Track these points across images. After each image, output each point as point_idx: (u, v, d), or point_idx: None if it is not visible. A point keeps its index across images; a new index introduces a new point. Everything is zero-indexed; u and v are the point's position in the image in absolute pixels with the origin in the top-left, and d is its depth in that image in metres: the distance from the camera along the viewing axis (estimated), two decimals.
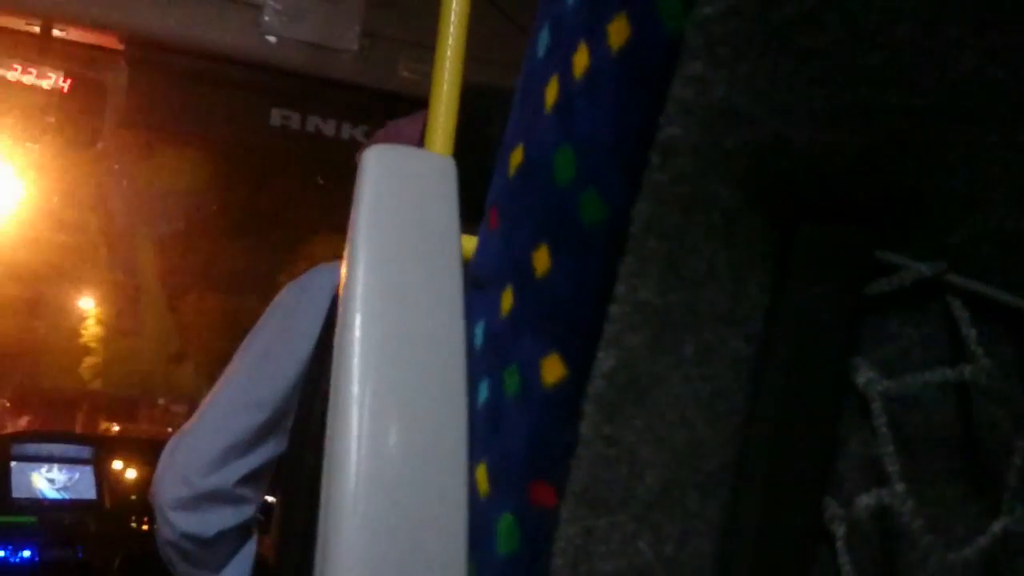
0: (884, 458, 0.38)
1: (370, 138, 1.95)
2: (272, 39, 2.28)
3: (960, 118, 0.36)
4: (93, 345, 13.34)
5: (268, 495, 1.43)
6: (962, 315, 0.39)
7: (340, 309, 0.49)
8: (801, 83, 0.35)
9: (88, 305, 13.13)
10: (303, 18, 2.29)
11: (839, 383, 0.39)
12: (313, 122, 2.50)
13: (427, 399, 0.47)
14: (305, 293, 1.31)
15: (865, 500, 0.38)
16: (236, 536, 1.33)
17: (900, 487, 0.38)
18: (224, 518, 1.30)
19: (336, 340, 0.48)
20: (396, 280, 0.49)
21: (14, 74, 2.31)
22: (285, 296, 1.36)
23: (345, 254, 0.50)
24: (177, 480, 1.29)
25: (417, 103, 1.53)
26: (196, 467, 1.28)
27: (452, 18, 0.73)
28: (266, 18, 2.25)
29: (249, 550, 1.36)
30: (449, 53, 0.72)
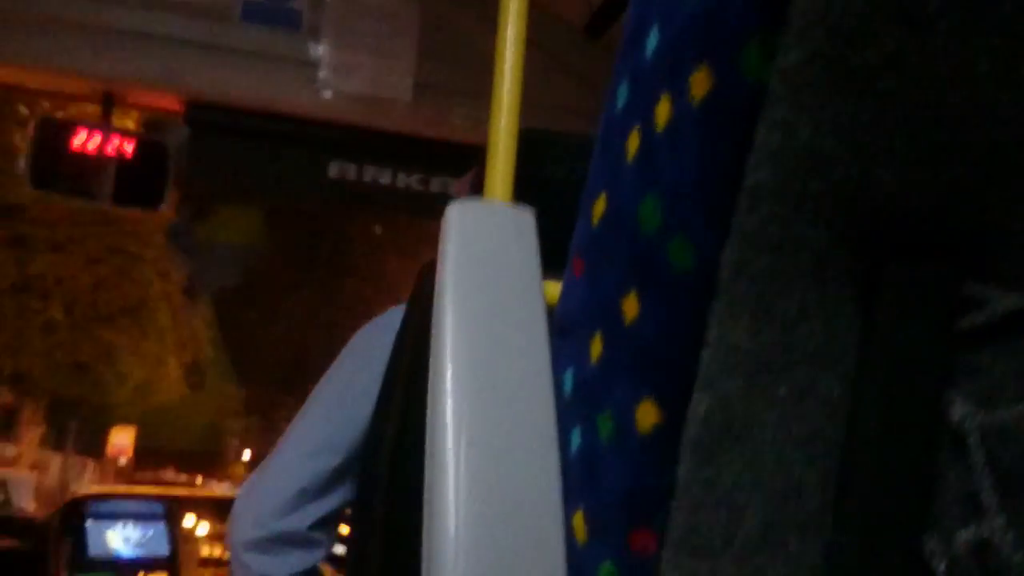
0: (982, 492, 0.38)
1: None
2: (328, 94, 2.32)
3: None
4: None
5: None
6: None
7: (431, 363, 0.50)
8: (885, 125, 0.35)
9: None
10: (357, 72, 2.33)
11: (934, 419, 0.39)
12: (370, 172, 2.53)
13: (520, 450, 0.48)
14: (379, 334, 1.32)
15: (964, 535, 0.38)
16: None
17: (999, 521, 0.37)
18: (295, 561, 1.31)
19: (429, 395, 0.49)
20: (484, 333, 0.50)
21: (80, 139, 2.37)
22: (360, 338, 1.37)
23: (433, 309, 0.51)
24: (251, 521, 1.30)
25: (470, 150, 1.55)
26: (270, 509, 1.29)
27: (507, 69, 0.74)
28: (321, 74, 2.30)
29: None
30: (505, 102, 0.74)
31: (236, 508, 1.34)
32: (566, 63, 2.44)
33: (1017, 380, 0.40)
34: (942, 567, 0.38)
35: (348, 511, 1.35)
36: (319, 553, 1.33)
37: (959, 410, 0.39)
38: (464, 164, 1.50)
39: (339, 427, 1.31)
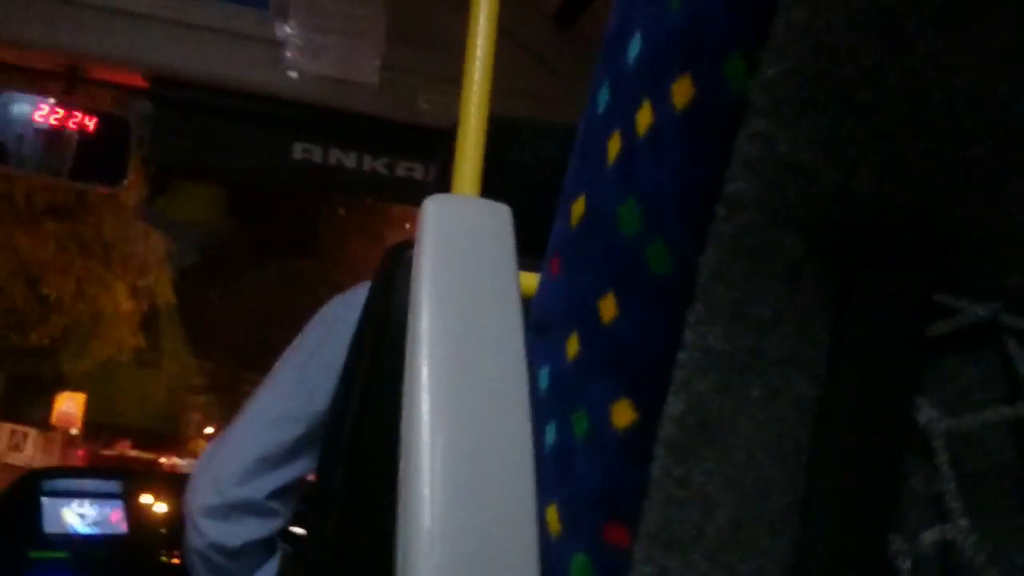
0: (947, 494, 0.39)
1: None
2: (294, 75, 2.31)
3: (1015, 166, 0.37)
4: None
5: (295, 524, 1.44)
6: (1018, 354, 0.40)
7: (407, 354, 0.50)
8: (862, 137, 0.37)
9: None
10: (324, 54, 2.31)
11: (902, 422, 0.41)
12: (335, 155, 2.52)
13: (495, 445, 0.48)
14: (347, 309, 1.32)
15: (929, 536, 0.39)
16: (262, 550, 1.35)
17: (963, 522, 0.39)
18: (252, 529, 1.31)
19: (405, 389, 0.50)
20: (460, 327, 0.50)
21: (41, 114, 2.34)
22: (327, 311, 1.37)
23: (410, 303, 0.51)
24: (209, 488, 1.31)
25: (437, 134, 1.55)
26: (228, 476, 1.30)
27: (477, 63, 0.74)
28: (288, 54, 2.28)
29: (273, 567, 1.37)
30: (475, 98, 0.74)
31: (195, 474, 1.35)
32: (535, 51, 2.44)
33: (982, 387, 0.41)
34: (907, 565, 0.40)
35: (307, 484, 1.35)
36: (275, 523, 1.34)
37: (926, 414, 0.40)
38: (430, 148, 1.50)
39: (301, 398, 1.31)
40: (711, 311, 0.39)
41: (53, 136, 2.33)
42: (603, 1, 2.19)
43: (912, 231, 0.39)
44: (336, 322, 1.33)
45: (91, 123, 2.36)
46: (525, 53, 2.42)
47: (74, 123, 2.35)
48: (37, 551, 3.00)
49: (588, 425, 0.46)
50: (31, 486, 3.17)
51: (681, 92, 0.40)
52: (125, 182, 2.42)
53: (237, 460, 1.30)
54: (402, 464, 0.49)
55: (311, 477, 1.34)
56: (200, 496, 1.31)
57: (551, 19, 2.43)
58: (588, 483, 0.46)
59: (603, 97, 0.50)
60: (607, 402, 0.45)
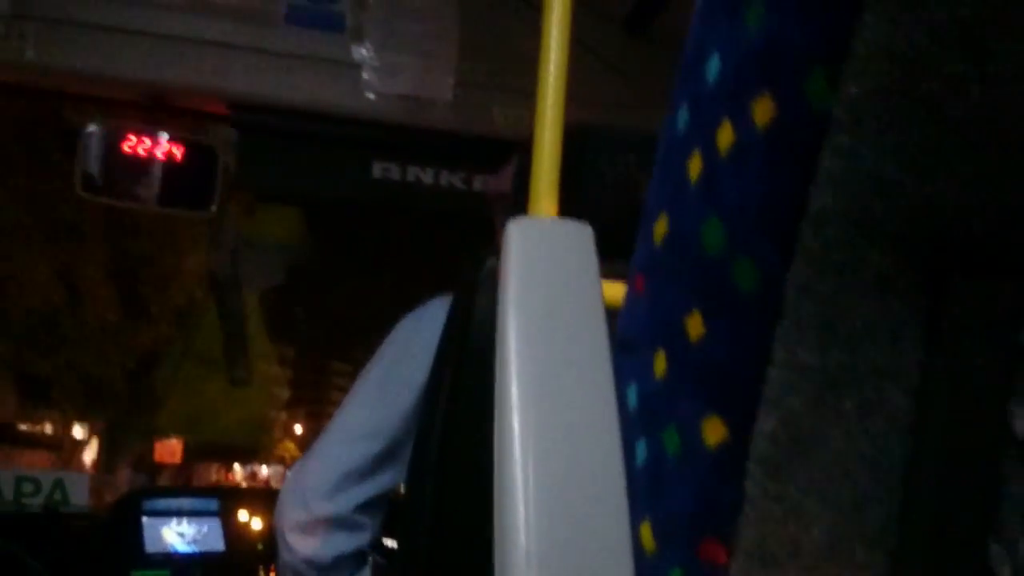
0: None
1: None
2: (371, 95, 2.34)
3: None
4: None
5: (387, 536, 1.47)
6: None
7: (497, 377, 0.51)
8: (947, 149, 0.36)
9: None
10: (399, 73, 2.35)
11: (998, 430, 0.40)
12: (413, 172, 2.55)
13: (587, 463, 0.49)
14: (421, 324, 1.35)
15: None
16: (353, 563, 1.37)
17: None
18: (341, 544, 1.34)
19: (496, 412, 0.51)
20: (548, 349, 0.51)
21: (129, 144, 2.41)
22: (401, 328, 1.40)
23: (497, 326, 0.52)
24: (297, 504, 1.34)
25: (511, 146, 1.56)
26: (315, 492, 1.33)
27: (551, 75, 0.75)
28: (365, 76, 2.32)
29: None
30: (549, 111, 0.74)
31: (283, 493, 1.38)
32: (606, 58, 2.43)
33: None
34: (1007, 573, 0.39)
35: (396, 499, 1.37)
36: (364, 536, 1.36)
37: (1022, 422, 0.40)
38: (506, 161, 1.51)
39: (380, 414, 1.34)
40: (800, 327, 0.39)
41: (141, 166, 2.40)
42: (673, 6, 2.18)
43: (1001, 239, 0.39)
44: (411, 338, 1.36)
45: (178, 152, 2.42)
46: (597, 61, 2.42)
47: (162, 152, 2.42)
48: (139, 570, 3.08)
49: (679, 442, 0.46)
50: (132, 507, 3.26)
51: (762, 110, 0.41)
52: (213, 208, 2.48)
53: (323, 476, 1.33)
54: (496, 485, 0.49)
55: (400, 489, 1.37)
56: (289, 513, 1.35)
57: (622, 25, 2.43)
58: (682, 500, 0.46)
59: (682, 117, 0.50)
60: (697, 419, 0.45)
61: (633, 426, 0.51)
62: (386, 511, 1.40)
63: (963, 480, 0.40)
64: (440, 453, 1.11)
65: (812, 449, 0.40)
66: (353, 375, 1.51)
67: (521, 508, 0.47)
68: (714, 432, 0.44)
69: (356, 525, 1.34)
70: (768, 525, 0.40)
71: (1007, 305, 0.40)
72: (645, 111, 2.03)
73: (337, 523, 1.33)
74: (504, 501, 0.48)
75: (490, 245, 1.07)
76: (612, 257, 0.59)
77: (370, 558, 1.41)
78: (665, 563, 0.47)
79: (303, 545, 1.33)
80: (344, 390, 1.46)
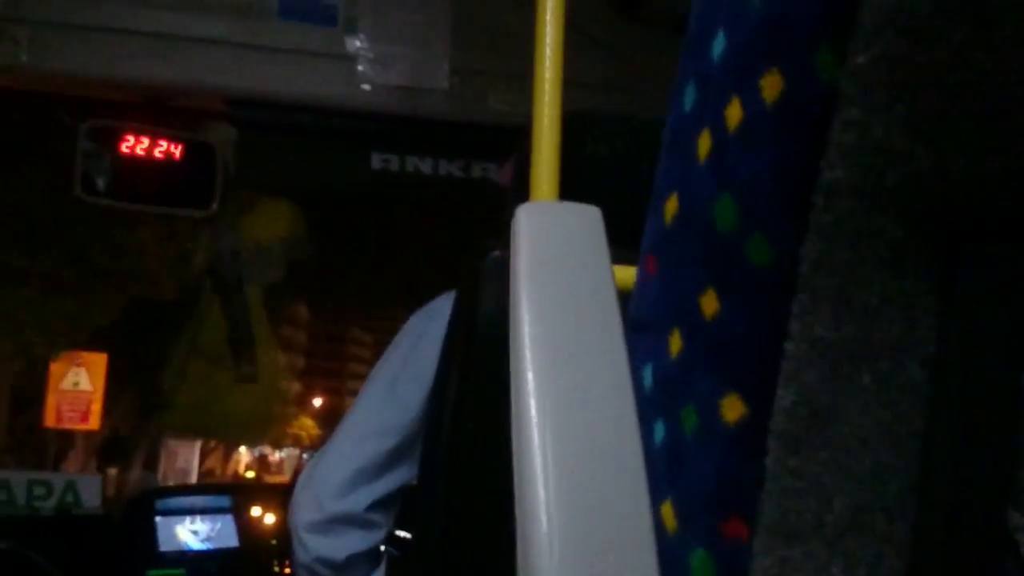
0: None
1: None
2: (366, 87, 2.34)
3: None
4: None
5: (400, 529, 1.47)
6: None
7: (512, 364, 0.51)
8: (955, 117, 0.36)
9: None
10: (394, 64, 2.34)
11: (1014, 396, 0.40)
12: (412, 162, 2.55)
13: (605, 445, 0.49)
14: (431, 320, 1.36)
15: None
16: (367, 561, 1.38)
17: None
18: (355, 542, 1.35)
19: (512, 399, 0.51)
20: (562, 332, 0.51)
21: (127, 144, 2.40)
22: (412, 324, 1.41)
23: (510, 313, 0.52)
24: (310, 503, 1.35)
25: (509, 133, 1.56)
26: (328, 491, 1.34)
27: (547, 59, 0.75)
28: (359, 67, 2.31)
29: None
30: (546, 96, 0.74)
31: (296, 492, 1.39)
32: (599, 39, 2.43)
33: None
34: None
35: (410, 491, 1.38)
36: (378, 534, 1.37)
37: None
38: (504, 147, 1.51)
39: (391, 411, 1.35)
40: (816, 301, 0.39)
41: (140, 165, 2.39)
42: None
43: (1011, 203, 0.39)
44: (420, 334, 1.37)
45: (177, 150, 2.42)
46: (591, 43, 2.42)
47: (160, 152, 2.41)
48: (155, 570, 3.10)
49: (698, 421, 0.47)
50: (145, 507, 3.27)
51: (770, 86, 0.41)
52: (214, 206, 2.47)
53: (335, 475, 1.34)
54: (516, 470, 0.50)
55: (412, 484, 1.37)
56: (303, 512, 1.35)
57: (614, 6, 2.42)
58: (703, 479, 0.46)
59: (689, 96, 0.50)
60: (715, 397, 0.45)
61: (649, 407, 0.51)
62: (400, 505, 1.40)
63: (980, 449, 0.40)
64: (450, 443, 1.11)
65: (830, 423, 0.40)
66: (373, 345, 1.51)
67: (541, 492, 0.47)
68: (733, 409, 0.44)
69: (370, 524, 1.35)
70: (789, 500, 0.41)
71: (1019, 272, 0.40)
72: (637, 90, 2.03)
73: (351, 521, 1.34)
74: (524, 486, 0.48)
75: (492, 236, 1.07)
76: (613, 242, 0.59)
77: (384, 551, 1.41)
78: (688, 542, 0.47)
79: (317, 544, 1.33)
80: (363, 360, 1.46)
